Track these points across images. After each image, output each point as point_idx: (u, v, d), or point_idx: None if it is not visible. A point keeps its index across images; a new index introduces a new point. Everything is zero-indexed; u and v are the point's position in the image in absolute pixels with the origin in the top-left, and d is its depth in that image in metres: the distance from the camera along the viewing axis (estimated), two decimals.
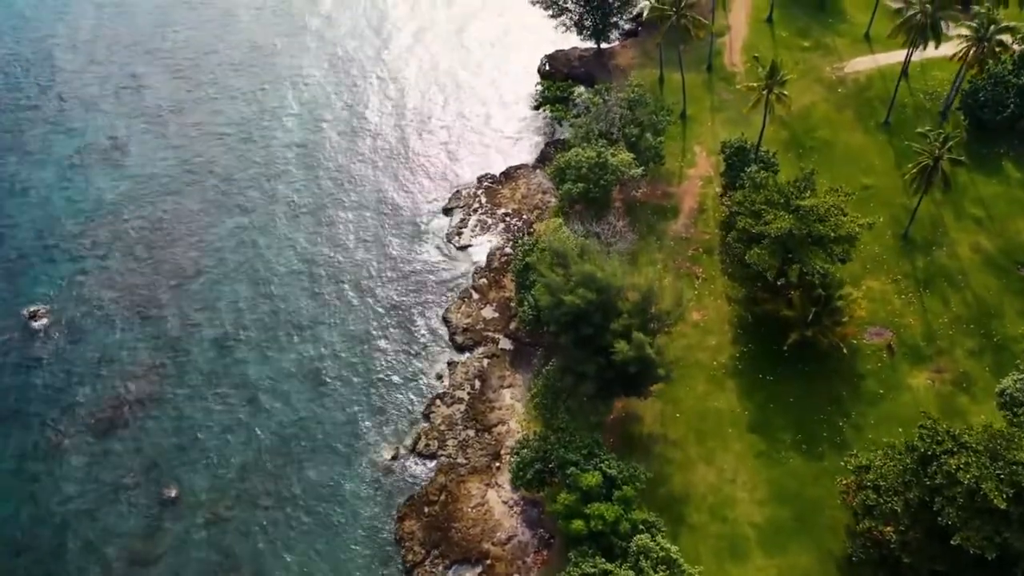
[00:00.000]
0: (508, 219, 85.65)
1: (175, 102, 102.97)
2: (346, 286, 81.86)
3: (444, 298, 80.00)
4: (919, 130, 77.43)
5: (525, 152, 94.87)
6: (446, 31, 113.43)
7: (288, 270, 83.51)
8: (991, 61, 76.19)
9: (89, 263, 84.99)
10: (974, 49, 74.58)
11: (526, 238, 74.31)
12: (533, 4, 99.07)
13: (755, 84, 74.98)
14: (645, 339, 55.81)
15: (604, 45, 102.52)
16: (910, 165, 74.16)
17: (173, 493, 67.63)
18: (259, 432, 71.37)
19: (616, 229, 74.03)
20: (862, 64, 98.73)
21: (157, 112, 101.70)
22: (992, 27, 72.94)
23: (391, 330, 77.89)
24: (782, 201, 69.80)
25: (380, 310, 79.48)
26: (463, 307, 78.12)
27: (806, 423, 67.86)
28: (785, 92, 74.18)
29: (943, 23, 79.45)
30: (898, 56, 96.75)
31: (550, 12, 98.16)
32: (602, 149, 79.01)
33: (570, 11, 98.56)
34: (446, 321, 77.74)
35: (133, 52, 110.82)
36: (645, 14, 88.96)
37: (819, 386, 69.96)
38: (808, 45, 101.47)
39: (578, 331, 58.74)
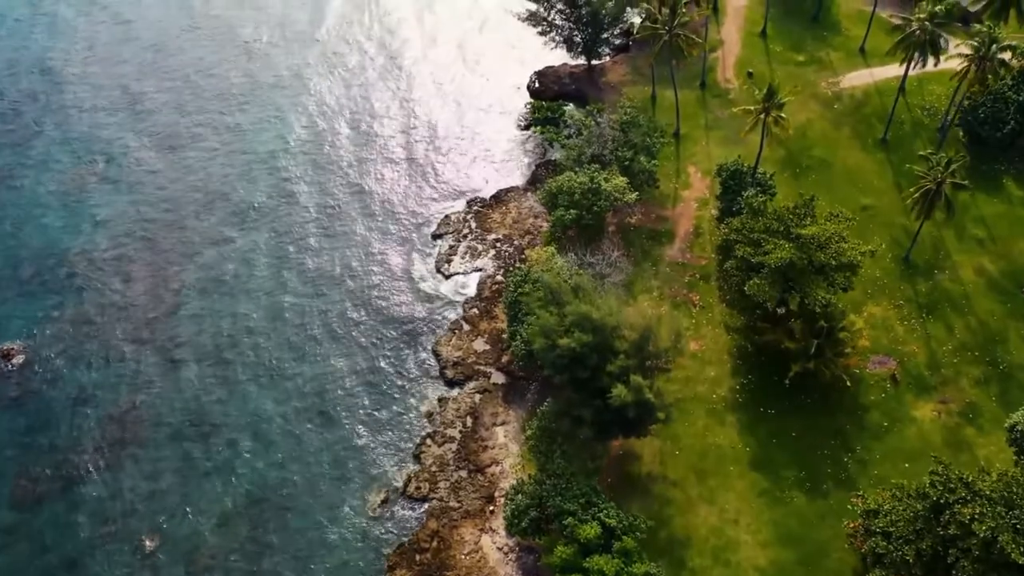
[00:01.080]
0: (499, 245, 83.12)
1: (155, 132, 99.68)
2: (332, 319, 79.08)
3: (434, 329, 77.35)
4: (921, 153, 75.47)
5: (515, 174, 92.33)
6: (427, 50, 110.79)
7: (270, 303, 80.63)
8: (991, 79, 74.12)
9: (66, 298, 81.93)
10: (975, 68, 72.48)
11: (518, 267, 71.70)
12: (522, 21, 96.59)
13: (752, 107, 72.66)
14: (643, 383, 53.42)
15: (595, 61, 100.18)
16: (912, 189, 72.09)
17: (152, 544, 64.75)
18: (240, 477, 68.57)
19: (611, 260, 71.56)
20: (858, 79, 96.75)
21: (137, 142, 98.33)
22: (994, 46, 70.87)
23: (379, 365, 75.18)
24: (782, 229, 67.55)
25: (367, 344, 76.76)
26: (453, 339, 75.54)
27: (809, 459, 65.64)
28: (783, 115, 71.94)
29: (942, 39, 77.41)
30: (894, 70, 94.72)
31: (539, 29, 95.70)
32: (595, 174, 76.66)
33: (559, 27, 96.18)
34: (436, 354, 75.13)
35: (122, 75, 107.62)
36: (636, 31, 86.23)
37: (822, 419, 67.79)
38: (802, 59, 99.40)
39: (574, 374, 56.29)
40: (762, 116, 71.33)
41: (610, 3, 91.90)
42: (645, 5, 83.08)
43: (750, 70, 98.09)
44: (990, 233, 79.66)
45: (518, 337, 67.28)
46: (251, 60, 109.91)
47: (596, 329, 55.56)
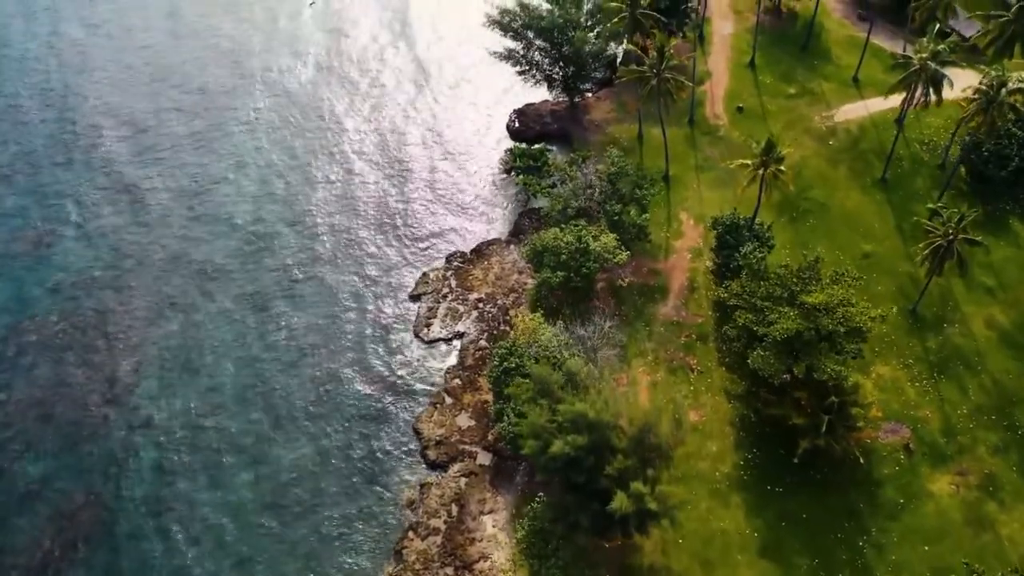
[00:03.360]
0: (481, 305, 77.79)
1: (112, 187, 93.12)
2: (302, 395, 73.15)
3: (413, 404, 71.82)
4: (931, 206, 71.18)
5: (497, 223, 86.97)
6: (400, 86, 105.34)
7: (235, 379, 74.45)
8: (998, 121, 69.90)
9: (13, 376, 75.58)
10: (982, 114, 68.13)
11: (501, 344, 66.33)
12: (500, 60, 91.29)
13: (748, 162, 67.88)
14: (644, 490, 48.43)
15: (577, 97, 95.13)
16: (921, 245, 67.67)
17: None
18: None
19: (603, 331, 66.45)
20: (852, 111, 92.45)
21: (93, 197, 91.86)
22: (1003, 90, 66.55)
23: (355, 446, 69.51)
24: (785, 296, 62.93)
25: (341, 422, 71.06)
26: (435, 414, 70.16)
27: (823, 544, 60.96)
28: (783, 168, 67.21)
29: (946, 79, 72.98)
30: (889, 101, 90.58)
31: (517, 68, 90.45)
32: (582, 231, 71.61)
33: (539, 64, 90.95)
34: (417, 432, 69.67)
35: (78, 122, 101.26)
36: (619, 73, 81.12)
37: (833, 497, 63.15)
38: (794, 92, 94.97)
39: (569, 477, 51.21)
40: (760, 171, 66.43)
41: (593, 42, 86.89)
42: (630, 47, 77.94)
43: (740, 104, 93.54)
44: (999, 280, 75.47)
45: (505, 418, 62.06)
46: (210, 102, 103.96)
47: (592, 427, 50.50)
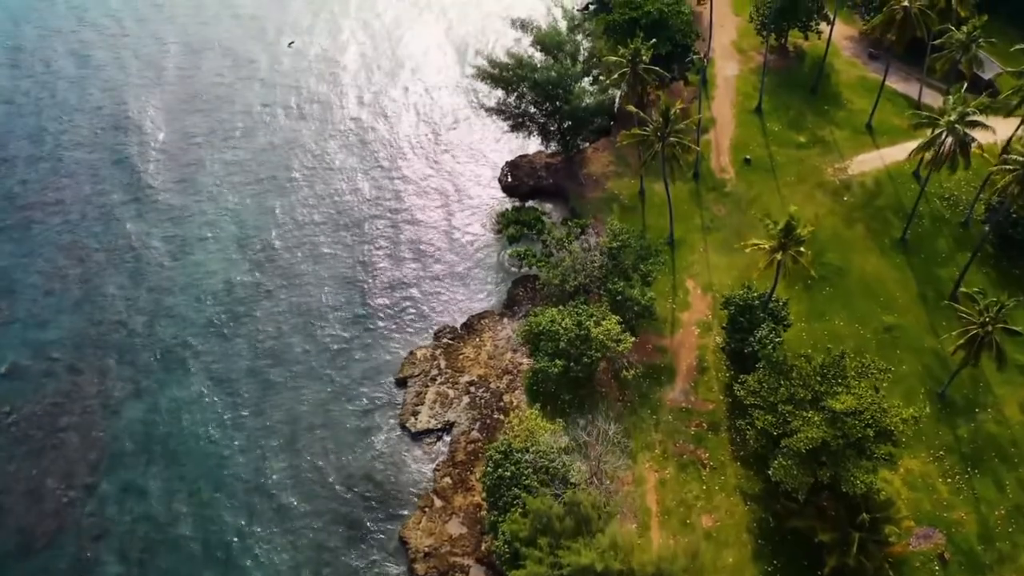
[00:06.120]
0: (473, 390, 71.54)
1: (65, 247, 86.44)
2: (276, 499, 66.14)
3: (400, 506, 65.43)
4: (963, 290, 65.42)
5: (488, 292, 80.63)
6: (387, 140, 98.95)
7: (202, 478, 67.54)
8: None
9: None
10: (1019, 185, 62.38)
11: (496, 443, 60.11)
12: (489, 113, 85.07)
13: (765, 245, 61.86)
14: None
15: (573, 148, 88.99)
16: (955, 334, 61.82)
17: None
18: None
19: (608, 436, 60.29)
20: (867, 162, 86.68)
21: (48, 266, 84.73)
22: None
23: (334, 560, 63.00)
24: (809, 398, 57.00)
25: (320, 531, 64.39)
26: (424, 520, 63.88)
27: None
28: (802, 250, 61.24)
29: (975, 140, 67.21)
30: (907, 149, 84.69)
31: (509, 123, 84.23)
32: (582, 315, 65.47)
33: (533, 115, 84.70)
34: (403, 541, 63.30)
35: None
36: (616, 107, 74.91)
37: None
38: (804, 140, 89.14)
39: None
40: (778, 255, 60.43)
41: (592, 94, 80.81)
42: (631, 109, 71.76)
43: (747, 156, 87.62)
44: None
45: (501, 536, 55.82)
46: (184, 155, 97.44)
47: None
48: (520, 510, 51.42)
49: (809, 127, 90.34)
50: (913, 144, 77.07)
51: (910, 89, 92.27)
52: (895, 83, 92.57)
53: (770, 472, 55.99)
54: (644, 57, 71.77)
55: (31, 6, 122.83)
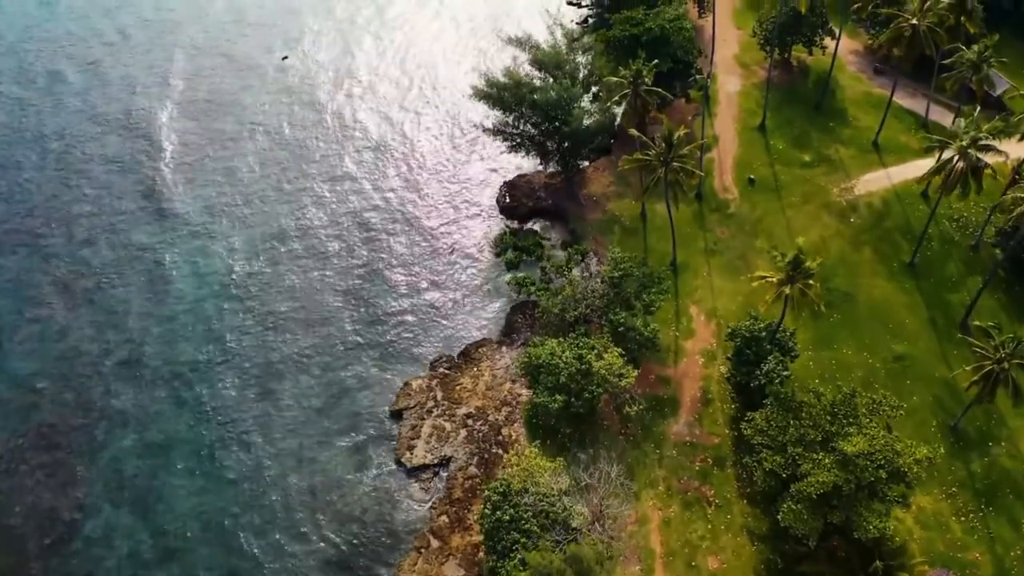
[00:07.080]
0: (471, 422, 69.34)
1: (52, 275, 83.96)
2: (265, 541, 63.31)
3: (394, 547, 63.12)
4: (977, 323, 63.20)
5: (486, 319, 78.25)
6: (381, 158, 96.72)
7: (188, 519, 65.10)
8: None
9: None
10: None
11: (494, 483, 57.90)
12: (488, 134, 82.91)
13: (772, 278, 59.74)
14: None
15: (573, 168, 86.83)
16: (969, 368, 59.72)
17: None
18: None
19: (611, 479, 58.10)
20: (874, 182, 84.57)
21: (33, 292, 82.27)
22: None
23: None
24: (819, 439, 54.89)
25: (310, 570, 62.08)
26: (419, 561, 61.67)
27: None
28: (811, 281, 59.14)
29: (989, 165, 65.13)
30: (913, 170, 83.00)
31: (507, 144, 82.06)
32: (583, 348, 63.33)
33: (532, 137, 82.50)
34: None
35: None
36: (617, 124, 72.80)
37: None
38: (809, 159, 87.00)
39: None
40: (786, 288, 58.31)
41: (592, 114, 78.66)
42: (633, 133, 69.60)
43: (751, 176, 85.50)
44: None
45: None
46: (175, 175, 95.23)
47: None
48: (519, 561, 49.28)
49: (814, 145, 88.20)
50: (921, 162, 75.34)
51: (917, 105, 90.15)
52: (902, 99, 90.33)
53: (779, 516, 53.90)
54: (646, 79, 69.61)
55: (32, 15, 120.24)
